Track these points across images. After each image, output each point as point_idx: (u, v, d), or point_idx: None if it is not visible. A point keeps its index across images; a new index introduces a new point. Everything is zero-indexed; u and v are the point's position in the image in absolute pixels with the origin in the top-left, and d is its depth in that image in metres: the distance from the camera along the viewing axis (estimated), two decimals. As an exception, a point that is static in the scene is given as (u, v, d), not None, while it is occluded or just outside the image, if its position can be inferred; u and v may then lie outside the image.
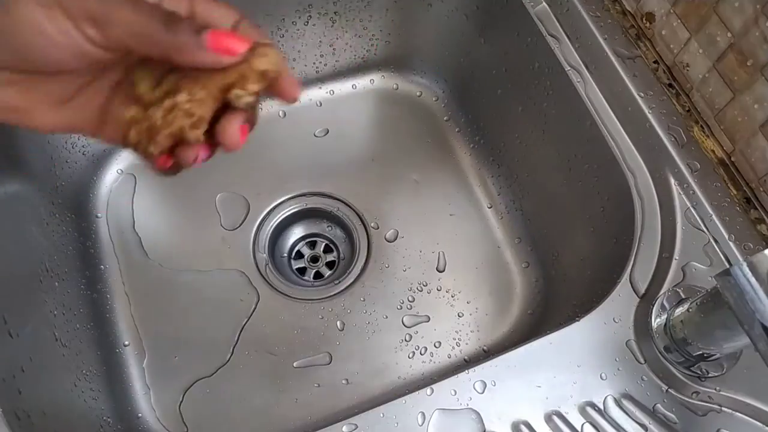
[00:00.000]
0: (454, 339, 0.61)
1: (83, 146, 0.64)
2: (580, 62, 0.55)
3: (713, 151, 0.52)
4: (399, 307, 0.62)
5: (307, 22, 0.67)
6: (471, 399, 0.43)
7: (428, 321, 0.62)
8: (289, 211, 0.66)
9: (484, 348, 0.61)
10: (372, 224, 0.66)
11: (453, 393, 0.43)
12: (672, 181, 0.50)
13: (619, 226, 0.52)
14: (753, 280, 0.32)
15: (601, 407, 0.43)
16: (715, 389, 0.43)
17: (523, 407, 0.43)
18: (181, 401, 0.58)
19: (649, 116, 0.53)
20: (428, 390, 0.43)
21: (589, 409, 0.43)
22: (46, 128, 0.28)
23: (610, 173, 0.52)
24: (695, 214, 0.49)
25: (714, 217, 0.49)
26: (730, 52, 0.47)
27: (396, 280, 0.64)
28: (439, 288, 0.63)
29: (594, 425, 0.42)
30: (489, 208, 0.67)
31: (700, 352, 0.42)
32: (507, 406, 0.43)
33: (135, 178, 0.66)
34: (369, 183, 0.68)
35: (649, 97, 0.53)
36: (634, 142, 0.52)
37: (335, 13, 0.67)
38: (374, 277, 0.64)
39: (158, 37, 0.24)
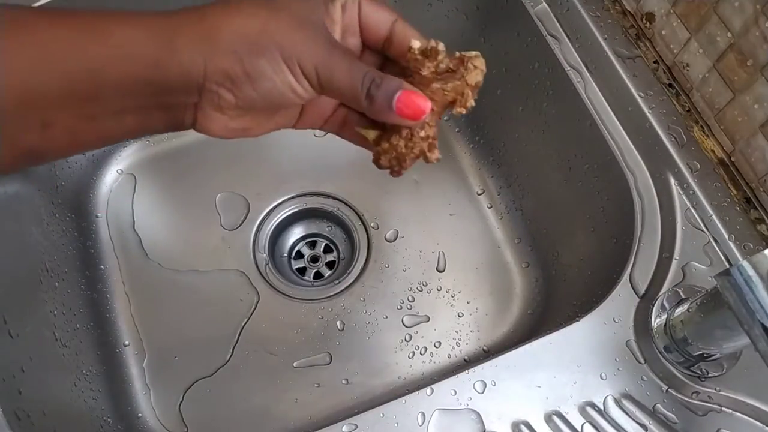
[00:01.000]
0: (454, 339, 0.61)
1: (83, 146, 0.64)
2: (580, 62, 0.55)
3: (713, 151, 0.52)
4: (399, 307, 0.62)
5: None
6: (471, 399, 0.43)
7: (428, 321, 0.62)
8: (289, 211, 0.66)
9: (484, 348, 0.61)
10: (372, 224, 0.66)
11: (453, 393, 0.43)
12: (672, 181, 0.50)
13: (619, 226, 0.52)
14: (753, 280, 0.32)
15: (601, 407, 0.43)
16: (715, 389, 0.43)
17: (523, 407, 0.43)
18: (181, 401, 0.58)
19: (649, 116, 0.53)
20: (428, 390, 0.43)
21: (589, 409, 0.43)
22: (259, 135, 0.33)
23: (610, 173, 0.52)
24: (695, 214, 0.49)
25: (714, 217, 0.49)
26: (730, 52, 0.47)
27: (396, 280, 0.64)
28: (439, 288, 0.63)
29: (594, 425, 0.42)
30: (489, 208, 0.67)
31: (700, 352, 0.42)
32: (507, 406, 0.43)
33: (135, 178, 0.66)
34: (369, 183, 0.67)
35: (649, 97, 0.53)
36: (634, 142, 0.52)
37: (335, 13, 0.67)
38: (374, 277, 0.64)
39: (359, 102, 0.30)
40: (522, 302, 0.63)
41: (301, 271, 0.66)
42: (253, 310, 0.61)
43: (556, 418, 0.42)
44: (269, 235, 0.65)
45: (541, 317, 0.61)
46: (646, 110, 0.53)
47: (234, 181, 0.66)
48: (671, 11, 0.52)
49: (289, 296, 0.62)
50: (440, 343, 0.61)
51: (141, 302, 0.61)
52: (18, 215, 0.54)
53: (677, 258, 0.48)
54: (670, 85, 0.54)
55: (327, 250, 0.67)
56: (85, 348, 0.56)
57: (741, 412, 0.43)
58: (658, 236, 0.48)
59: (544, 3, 0.58)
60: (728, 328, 0.37)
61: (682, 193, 0.50)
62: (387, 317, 0.62)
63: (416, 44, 0.30)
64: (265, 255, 0.64)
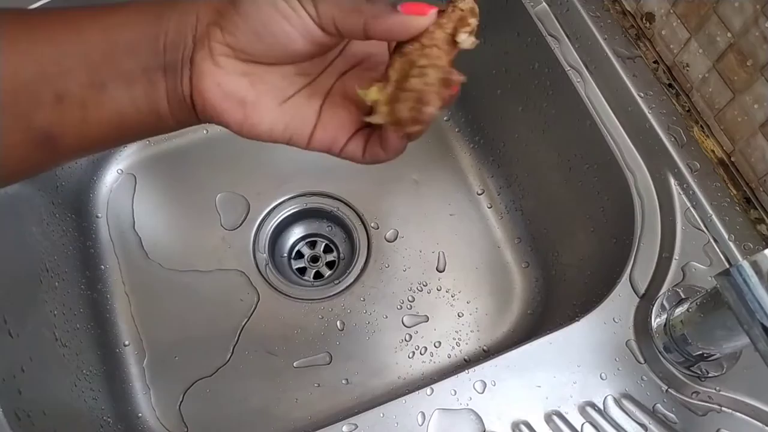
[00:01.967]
0: (454, 339, 0.61)
1: (83, 146, 0.64)
2: (580, 62, 0.55)
3: (713, 151, 0.52)
4: (399, 307, 0.62)
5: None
6: (471, 399, 0.43)
7: (428, 321, 0.62)
8: (289, 211, 0.66)
9: (484, 348, 0.61)
10: (372, 224, 0.66)
11: (453, 393, 0.43)
12: (672, 181, 0.50)
13: (619, 226, 0.52)
14: (753, 280, 0.32)
15: (601, 407, 0.43)
16: (715, 389, 0.43)
17: (523, 407, 0.43)
18: (181, 401, 0.58)
19: (649, 116, 0.53)
20: (428, 390, 0.43)
21: (589, 409, 0.43)
22: (265, 126, 0.30)
23: (610, 173, 0.52)
24: (695, 214, 0.49)
25: (714, 217, 0.49)
26: (730, 52, 0.47)
27: (396, 280, 0.64)
28: (439, 288, 0.63)
29: (594, 425, 0.42)
30: (489, 208, 0.67)
31: (700, 352, 0.42)
32: (507, 406, 0.43)
33: (135, 178, 0.66)
34: (369, 183, 0.67)
35: (649, 97, 0.53)
36: (634, 142, 0.52)
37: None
38: (374, 277, 0.64)
39: (361, 14, 0.28)
40: (522, 302, 0.63)
41: (301, 271, 0.66)
42: (253, 310, 0.61)
43: (556, 418, 0.42)
44: (269, 235, 0.65)
45: (541, 317, 0.61)
46: (646, 110, 0.53)
47: (234, 181, 0.67)
48: (671, 11, 0.52)
49: (289, 296, 0.62)
50: (440, 343, 0.61)
51: (141, 302, 0.61)
52: (18, 215, 0.54)
53: (677, 258, 0.48)
54: (670, 85, 0.54)
55: (327, 250, 0.67)
56: (85, 348, 0.56)
57: (741, 412, 0.43)
58: (658, 236, 0.48)
59: (544, 3, 0.58)
60: (728, 328, 0.37)
61: (682, 193, 0.50)
62: (387, 317, 0.62)
63: None
64: (265, 255, 0.64)
